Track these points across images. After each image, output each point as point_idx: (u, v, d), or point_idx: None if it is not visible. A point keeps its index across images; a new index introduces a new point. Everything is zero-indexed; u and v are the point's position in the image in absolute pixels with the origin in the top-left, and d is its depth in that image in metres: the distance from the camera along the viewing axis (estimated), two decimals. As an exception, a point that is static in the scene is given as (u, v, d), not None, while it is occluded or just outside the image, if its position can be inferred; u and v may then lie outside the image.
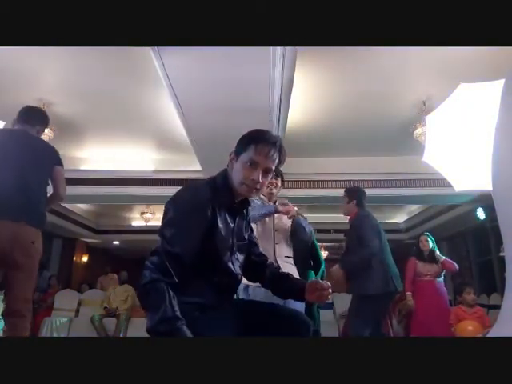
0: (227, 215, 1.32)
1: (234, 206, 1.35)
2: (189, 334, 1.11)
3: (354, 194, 3.08)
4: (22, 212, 2.00)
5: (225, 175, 1.36)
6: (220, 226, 1.27)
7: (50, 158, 2.22)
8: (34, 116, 2.35)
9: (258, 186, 1.30)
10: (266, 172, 1.31)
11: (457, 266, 4.08)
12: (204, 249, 1.22)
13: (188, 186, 1.32)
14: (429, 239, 4.15)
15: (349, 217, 3.10)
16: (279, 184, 2.45)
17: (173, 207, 1.24)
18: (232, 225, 1.34)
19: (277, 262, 2.25)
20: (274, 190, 2.42)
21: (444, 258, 4.12)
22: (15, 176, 2.04)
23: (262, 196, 2.45)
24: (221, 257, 1.29)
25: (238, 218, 1.38)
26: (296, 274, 2.26)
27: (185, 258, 1.16)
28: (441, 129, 2.65)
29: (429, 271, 3.99)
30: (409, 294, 3.89)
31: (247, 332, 1.26)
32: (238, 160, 1.31)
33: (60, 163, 2.25)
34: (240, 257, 1.40)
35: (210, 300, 1.26)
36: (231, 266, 1.32)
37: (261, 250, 1.59)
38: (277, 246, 2.36)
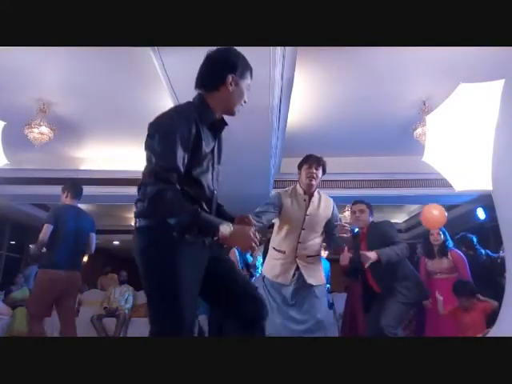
0: (208, 132, 1.37)
1: (215, 124, 1.41)
2: (210, 218, 1.23)
3: (371, 207, 3.07)
4: (74, 264, 3.18)
5: (201, 97, 1.40)
6: (203, 140, 1.32)
7: (90, 227, 3.37)
8: (79, 193, 3.39)
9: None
10: None
11: (465, 260, 3.58)
12: (190, 162, 1.27)
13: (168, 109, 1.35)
14: (441, 232, 3.72)
15: (361, 227, 2.98)
16: (320, 176, 2.44)
17: (157, 125, 1.29)
18: (213, 143, 1.40)
19: (296, 262, 2.38)
20: (314, 182, 2.40)
21: (454, 249, 3.67)
22: (72, 239, 3.16)
23: (298, 188, 2.46)
24: (204, 171, 1.34)
25: (216, 139, 1.45)
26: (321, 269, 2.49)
27: (179, 169, 1.22)
28: (441, 129, 2.65)
29: (438, 268, 3.60)
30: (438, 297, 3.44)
31: (206, 276, 1.32)
32: (239, 84, 1.39)
33: (94, 231, 3.40)
34: (216, 176, 1.45)
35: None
36: (211, 182, 1.38)
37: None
38: (300, 245, 2.39)
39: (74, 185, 3.40)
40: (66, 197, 3.31)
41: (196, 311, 1.29)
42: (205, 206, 1.36)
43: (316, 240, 2.44)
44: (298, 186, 2.47)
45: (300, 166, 2.47)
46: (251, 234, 1.21)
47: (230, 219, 1.42)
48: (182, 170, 1.24)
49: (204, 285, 1.32)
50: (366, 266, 2.58)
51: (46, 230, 3.06)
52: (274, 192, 2.55)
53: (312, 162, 2.40)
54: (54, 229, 3.08)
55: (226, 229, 1.18)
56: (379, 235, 2.81)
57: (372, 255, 2.53)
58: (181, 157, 1.23)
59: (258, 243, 1.22)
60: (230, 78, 1.36)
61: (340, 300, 4.94)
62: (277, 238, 2.46)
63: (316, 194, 2.46)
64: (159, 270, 1.24)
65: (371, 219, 2.99)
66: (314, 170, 2.38)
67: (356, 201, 3.09)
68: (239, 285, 1.39)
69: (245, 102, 1.43)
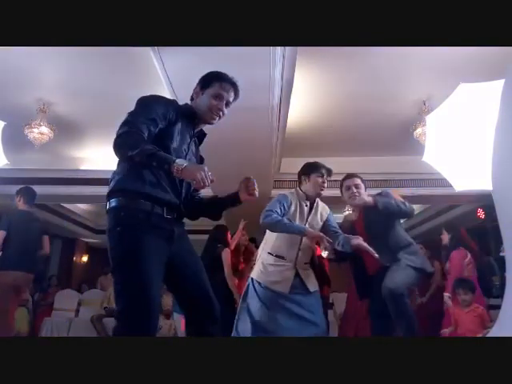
0: (186, 129, 1.52)
1: (194, 123, 1.57)
2: (166, 155, 1.30)
3: (365, 182, 2.68)
4: (25, 266, 3.37)
5: (186, 104, 1.61)
6: (176, 132, 1.46)
7: (42, 230, 3.67)
8: (32, 198, 3.63)
9: (221, 114, 1.57)
10: (227, 104, 1.58)
11: (459, 262, 3.55)
12: (159, 144, 1.36)
13: None
14: (445, 232, 3.70)
15: (357, 206, 2.60)
16: (326, 184, 2.43)
17: (140, 97, 1.48)
18: (188, 139, 1.54)
19: (296, 268, 2.32)
20: (323, 192, 2.40)
21: (456, 250, 3.64)
22: (24, 243, 3.37)
23: (299, 191, 2.43)
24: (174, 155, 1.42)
25: (194, 142, 1.59)
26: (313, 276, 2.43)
27: (149, 125, 1.36)
28: (441, 129, 2.65)
29: (448, 272, 3.60)
30: (446, 294, 3.50)
31: (173, 272, 1.40)
32: (204, 93, 1.56)
33: (46, 233, 3.75)
34: None
35: (164, 192, 1.40)
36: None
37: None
38: (300, 252, 2.35)
39: (28, 190, 3.64)
40: (19, 201, 3.58)
41: (160, 291, 1.37)
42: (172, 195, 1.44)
43: (311, 247, 2.41)
44: (299, 191, 2.43)
45: (308, 173, 2.42)
46: (205, 169, 1.28)
47: (235, 192, 1.57)
48: (152, 130, 1.38)
49: (169, 279, 1.41)
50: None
51: (1, 237, 3.33)
52: (281, 193, 2.45)
53: (325, 172, 2.39)
54: (7, 234, 3.34)
55: (181, 161, 1.28)
56: (381, 210, 2.41)
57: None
58: (151, 120, 1.38)
59: (209, 180, 1.28)
60: (193, 92, 1.60)
61: (340, 300, 4.93)
62: (275, 243, 2.37)
63: (317, 201, 2.46)
64: (125, 247, 1.33)
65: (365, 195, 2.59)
66: (325, 181, 2.38)
67: (350, 174, 2.65)
68: (195, 289, 1.45)
69: (218, 108, 1.54)
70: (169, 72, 2.94)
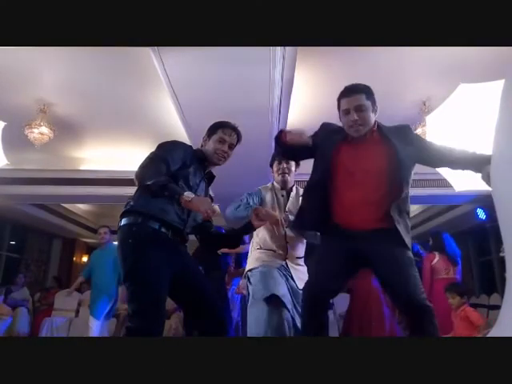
0: (198, 170, 1.74)
1: (205, 165, 1.80)
2: (177, 188, 1.50)
3: (375, 100, 1.76)
4: None
5: (199, 149, 1.85)
6: (190, 174, 1.66)
7: None
8: None
9: (226, 156, 1.80)
10: (230, 147, 1.81)
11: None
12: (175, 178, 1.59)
13: None
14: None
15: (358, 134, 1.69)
16: (293, 170, 2.29)
17: (158, 145, 1.69)
18: (199, 181, 1.74)
19: (287, 265, 2.18)
20: (288, 177, 2.26)
21: (429, 253, 4.07)
22: None
23: (275, 184, 2.35)
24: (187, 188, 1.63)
25: (205, 181, 1.81)
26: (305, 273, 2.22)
27: (169, 162, 1.58)
28: (441, 129, 2.65)
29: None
30: None
31: (178, 284, 1.56)
32: (210, 140, 1.80)
33: None
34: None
35: (170, 217, 1.58)
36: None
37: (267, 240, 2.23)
38: (288, 245, 2.21)
39: None
40: None
41: (166, 295, 1.51)
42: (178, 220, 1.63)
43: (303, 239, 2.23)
44: (275, 184, 2.36)
45: (271, 164, 2.38)
46: (209, 202, 1.50)
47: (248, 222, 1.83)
48: (171, 168, 1.58)
49: (175, 291, 1.55)
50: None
51: None
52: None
53: (279, 157, 2.30)
54: None
55: (189, 193, 1.47)
56: (408, 142, 1.67)
57: None
58: (171, 159, 1.59)
59: (213, 212, 1.50)
60: (202, 140, 1.86)
61: (340, 300, 4.92)
62: (259, 237, 2.26)
63: (294, 189, 2.34)
64: (136, 257, 1.48)
65: (374, 118, 1.73)
66: (285, 165, 2.28)
67: (348, 88, 1.68)
68: (204, 299, 1.59)
69: (222, 151, 1.77)
70: (169, 72, 2.94)
